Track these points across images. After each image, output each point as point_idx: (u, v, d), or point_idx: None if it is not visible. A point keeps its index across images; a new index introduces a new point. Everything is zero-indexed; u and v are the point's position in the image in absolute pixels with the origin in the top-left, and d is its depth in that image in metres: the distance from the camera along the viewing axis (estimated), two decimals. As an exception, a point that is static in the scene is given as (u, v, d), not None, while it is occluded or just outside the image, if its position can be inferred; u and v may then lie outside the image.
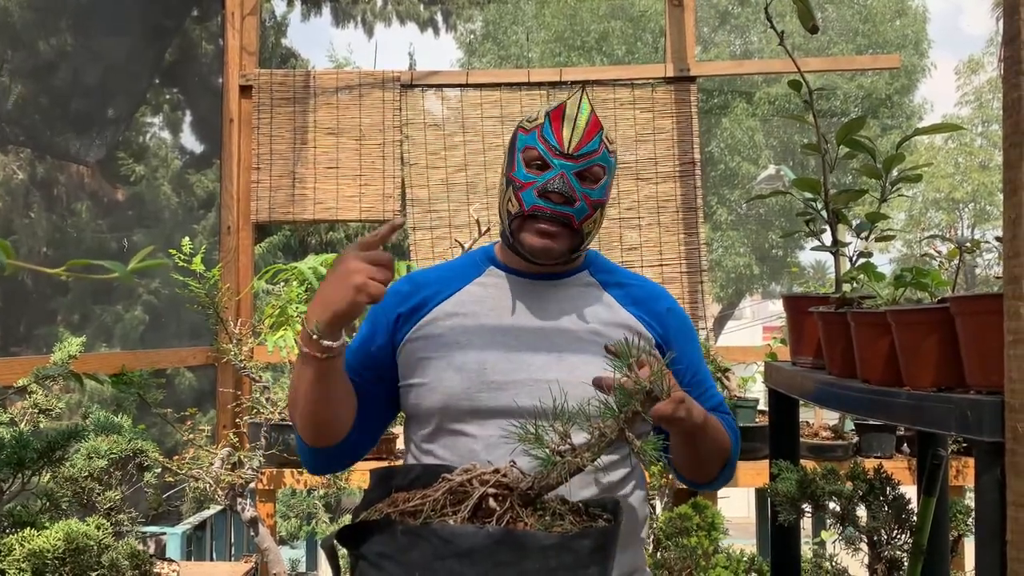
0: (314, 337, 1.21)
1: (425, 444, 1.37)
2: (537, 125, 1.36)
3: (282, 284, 3.56)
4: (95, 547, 1.34)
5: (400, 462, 1.88)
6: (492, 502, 1.00)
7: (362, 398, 1.38)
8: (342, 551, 1.06)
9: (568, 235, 1.35)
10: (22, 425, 1.74)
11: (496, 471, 1.04)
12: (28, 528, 1.33)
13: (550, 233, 1.34)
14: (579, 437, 1.01)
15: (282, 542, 5.24)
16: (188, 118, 7.66)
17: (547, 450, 1.00)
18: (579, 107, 1.35)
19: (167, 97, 7.40)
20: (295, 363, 1.31)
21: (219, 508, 3.39)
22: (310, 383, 1.26)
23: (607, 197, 1.40)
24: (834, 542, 1.33)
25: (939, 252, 1.45)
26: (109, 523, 1.48)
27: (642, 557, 1.44)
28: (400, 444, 3.17)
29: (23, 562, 1.26)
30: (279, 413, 3.23)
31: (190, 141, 7.88)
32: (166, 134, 7.75)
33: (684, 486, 3.12)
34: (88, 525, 1.37)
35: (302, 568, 4.25)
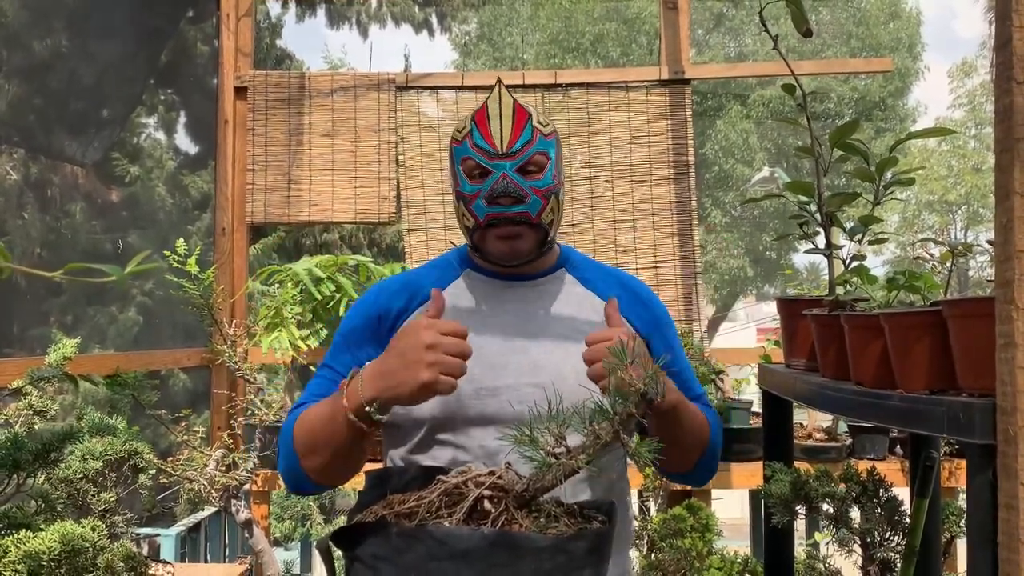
0: (367, 410, 1.16)
1: (411, 455, 1.34)
2: (467, 134, 1.34)
3: (277, 286, 3.56)
4: (91, 549, 1.34)
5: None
6: (487, 504, 1.01)
7: None
8: (337, 553, 1.06)
9: (530, 232, 1.34)
10: (16, 427, 1.74)
11: (491, 473, 1.05)
12: (24, 530, 1.33)
13: (512, 235, 1.33)
14: (574, 439, 1.01)
15: (276, 544, 5.23)
16: (183, 119, 7.65)
17: (542, 452, 1.00)
18: (500, 103, 1.34)
19: (162, 98, 7.39)
20: (322, 411, 1.24)
21: (213, 510, 3.38)
22: (343, 441, 1.22)
23: (558, 180, 1.37)
24: (827, 543, 1.33)
25: (931, 255, 1.46)
26: (104, 525, 1.48)
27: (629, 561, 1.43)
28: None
29: (19, 564, 1.25)
30: (273, 415, 3.23)
31: (185, 142, 7.87)
32: (161, 135, 7.73)
33: (678, 487, 3.14)
34: (83, 527, 1.37)
35: (296, 570, 4.24)
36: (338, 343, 1.41)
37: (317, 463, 1.27)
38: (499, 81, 1.36)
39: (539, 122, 1.36)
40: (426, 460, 1.31)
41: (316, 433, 1.25)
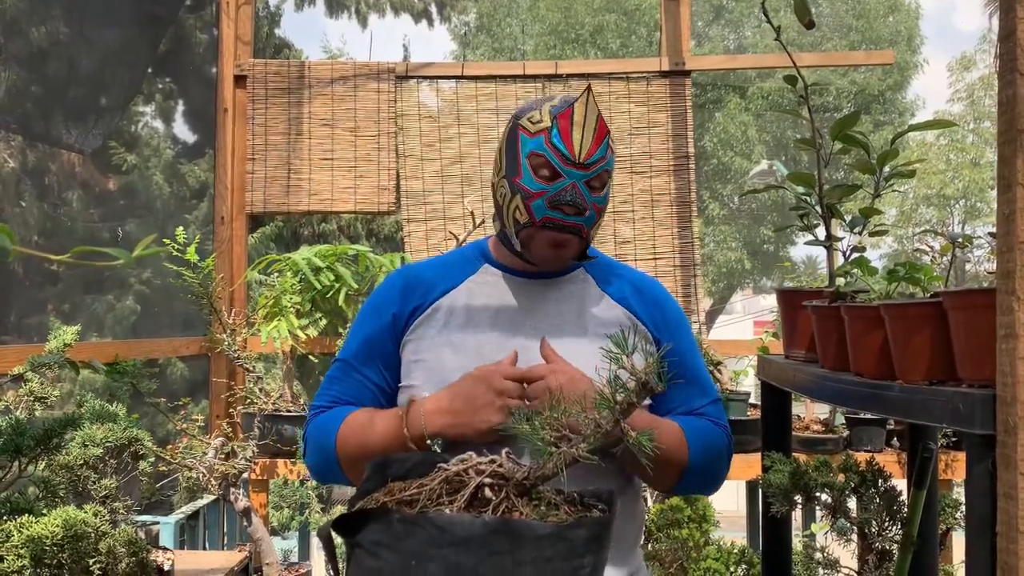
0: (429, 443, 1.23)
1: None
2: (543, 129, 1.31)
3: (276, 275, 3.56)
4: (93, 534, 1.35)
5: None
6: (488, 491, 1.01)
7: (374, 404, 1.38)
8: (338, 540, 1.06)
9: (577, 243, 1.34)
10: (18, 412, 1.74)
11: (492, 461, 1.05)
12: (26, 515, 1.34)
13: (562, 243, 1.32)
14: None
15: (274, 532, 5.24)
16: (180, 108, 7.62)
17: (542, 440, 1.01)
18: (587, 111, 1.30)
19: (160, 86, 7.37)
20: (374, 436, 1.29)
21: (212, 498, 3.39)
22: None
23: (609, 199, 1.38)
24: (825, 534, 1.34)
25: (931, 247, 1.46)
26: (105, 511, 1.49)
27: (639, 558, 1.44)
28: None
29: (21, 548, 1.26)
30: (272, 403, 3.24)
31: (182, 131, 7.84)
32: (158, 123, 7.71)
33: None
34: (86, 512, 1.37)
35: (294, 559, 4.25)
36: (358, 350, 1.41)
37: (355, 470, 1.32)
38: (589, 88, 1.33)
39: (611, 139, 1.35)
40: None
41: (367, 453, 1.25)
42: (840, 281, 1.41)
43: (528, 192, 1.31)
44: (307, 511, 4.79)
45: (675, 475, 1.34)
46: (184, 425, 2.92)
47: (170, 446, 2.89)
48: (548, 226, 1.31)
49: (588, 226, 1.33)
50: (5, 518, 1.35)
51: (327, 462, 1.36)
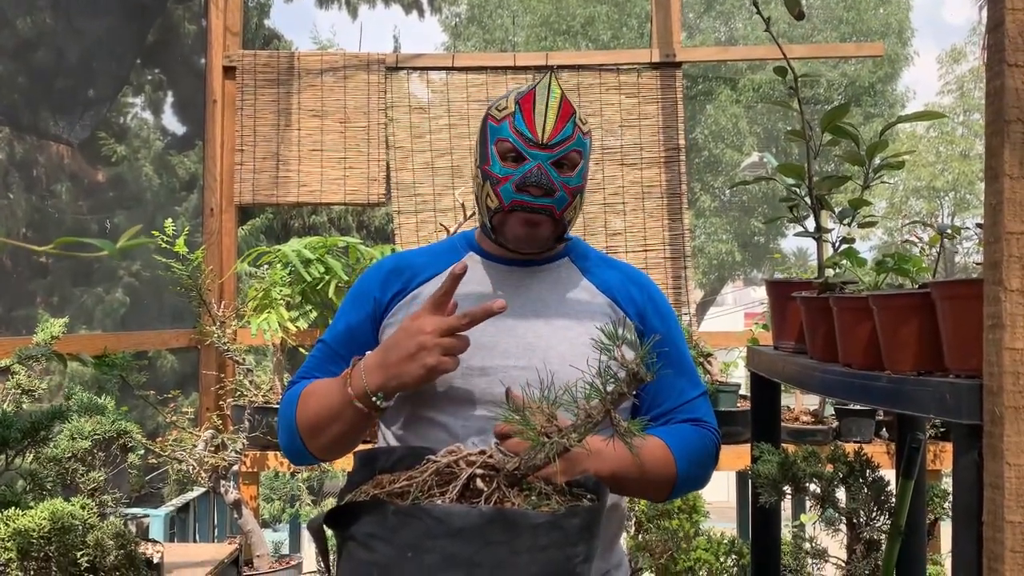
0: (374, 400, 1.24)
1: (398, 431, 1.36)
2: (508, 115, 1.33)
3: (266, 267, 3.55)
4: (80, 527, 1.34)
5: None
6: (479, 482, 1.01)
7: None
8: (328, 532, 1.06)
9: (550, 223, 1.34)
10: (4, 405, 1.73)
11: (482, 452, 1.05)
12: (13, 508, 1.33)
13: (533, 223, 1.33)
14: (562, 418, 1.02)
15: (264, 525, 5.24)
16: (169, 99, 7.57)
17: (533, 431, 1.01)
18: (549, 92, 1.32)
19: (148, 78, 7.32)
20: (325, 400, 1.30)
21: (202, 490, 3.39)
22: (347, 426, 1.29)
23: (585, 180, 1.38)
24: (814, 524, 1.35)
25: (920, 239, 1.47)
26: (93, 503, 1.48)
27: (622, 551, 1.45)
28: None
29: (8, 541, 1.25)
30: (262, 396, 3.23)
31: (172, 122, 7.79)
32: (147, 115, 7.66)
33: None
34: (73, 505, 1.37)
35: (285, 551, 4.25)
36: (340, 335, 1.43)
37: (322, 443, 1.34)
38: (552, 70, 1.34)
39: (580, 119, 1.35)
40: (415, 439, 1.32)
41: (321, 418, 1.31)
42: (829, 272, 1.41)
43: (496, 178, 1.33)
44: (298, 503, 4.79)
45: (666, 490, 1.34)
46: (174, 417, 2.92)
47: (159, 439, 2.89)
48: (517, 209, 1.32)
49: (560, 207, 1.33)
50: (-8, 511, 1.34)
51: (290, 433, 1.37)
